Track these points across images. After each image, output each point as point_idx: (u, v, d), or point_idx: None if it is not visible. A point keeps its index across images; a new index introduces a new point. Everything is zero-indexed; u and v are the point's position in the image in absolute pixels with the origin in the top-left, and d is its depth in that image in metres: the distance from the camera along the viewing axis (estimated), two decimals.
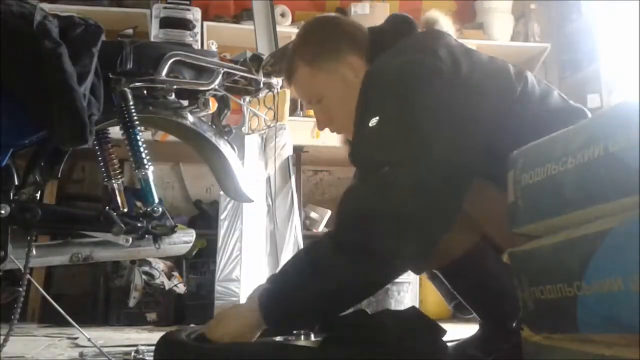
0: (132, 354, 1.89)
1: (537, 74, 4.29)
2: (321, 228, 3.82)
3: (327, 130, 1.50)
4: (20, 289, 1.67)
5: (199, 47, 3.51)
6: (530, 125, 1.23)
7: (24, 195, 1.69)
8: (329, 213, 3.82)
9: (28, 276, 1.69)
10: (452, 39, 1.39)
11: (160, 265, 3.35)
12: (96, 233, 1.76)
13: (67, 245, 1.79)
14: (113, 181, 1.79)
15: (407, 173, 1.17)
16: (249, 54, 1.98)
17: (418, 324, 1.25)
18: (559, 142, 0.96)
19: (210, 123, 1.96)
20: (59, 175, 1.81)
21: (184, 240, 1.86)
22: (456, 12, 4.49)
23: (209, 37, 3.78)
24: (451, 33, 1.43)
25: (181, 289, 3.34)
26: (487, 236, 1.41)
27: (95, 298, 3.40)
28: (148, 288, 3.22)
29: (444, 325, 1.24)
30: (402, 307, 2.76)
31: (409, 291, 3.14)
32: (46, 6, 2.11)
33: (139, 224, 1.76)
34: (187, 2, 3.64)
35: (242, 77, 2.00)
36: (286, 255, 3.12)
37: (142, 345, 2.03)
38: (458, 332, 1.65)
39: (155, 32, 3.53)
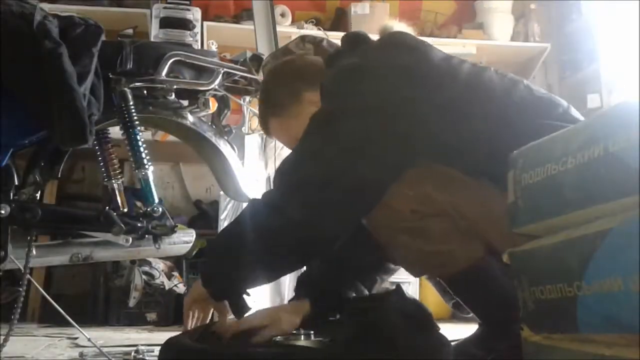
0: (132, 354, 1.89)
1: (537, 74, 4.30)
2: None
3: None
4: (20, 289, 1.68)
5: (199, 47, 3.51)
6: (497, 121, 1.29)
7: (24, 195, 1.69)
8: None
9: (28, 276, 1.69)
10: (407, 40, 1.41)
11: (160, 265, 3.35)
12: (96, 233, 1.76)
13: (67, 245, 1.79)
14: (113, 181, 1.79)
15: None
16: (249, 54, 1.98)
17: (422, 320, 1.26)
18: (559, 142, 0.96)
19: (210, 123, 1.97)
20: (59, 175, 1.81)
21: (184, 240, 1.86)
22: (456, 12, 4.50)
23: (209, 37, 3.78)
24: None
25: (181, 289, 3.33)
26: (491, 247, 1.39)
27: (95, 298, 3.40)
28: (148, 288, 3.22)
29: (444, 325, 1.25)
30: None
31: (408, 291, 3.14)
32: (46, 6, 2.11)
33: (139, 224, 1.76)
34: (187, 2, 3.63)
35: (242, 77, 2.00)
36: None
37: (142, 345, 2.03)
38: (458, 332, 1.65)
39: (155, 32, 3.53)
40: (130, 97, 1.76)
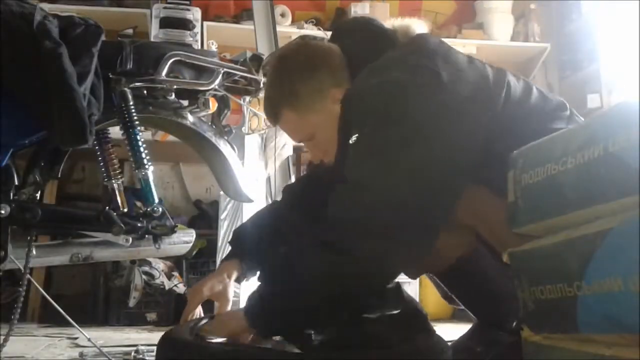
0: (132, 354, 1.89)
1: (537, 74, 4.30)
2: None
3: None
4: (20, 289, 1.68)
5: (199, 47, 3.51)
6: (516, 127, 1.26)
7: (24, 195, 1.69)
8: None
9: (28, 276, 1.69)
10: (431, 43, 1.36)
11: (160, 265, 3.35)
12: (96, 233, 1.76)
13: (67, 245, 1.79)
14: (113, 181, 1.79)
15: (370, 193, 1.18)
16: (249, 54, 1.98)
17: (416, 323, 1.26)
18: (559, 142, 0.97)
19: (210, 123, 1.97)
20: (59, 175, 1.81)
21: (184, 240, 1.86)
22: (456, 12, 4.50)
23: (209, 37, 3.78)
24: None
25: (181, 289, 3.33)
26: (482, 238, 1.40)
27: (95, 298, 3.40)
28: (148, 288, 3.22)
29: (444, 325, 1.25)
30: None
31: (409, 291, 3.14)
32: (46, 6, 2.11)
33: (139, 224, 1.76)
34: (187, 2, 3.64)
35: (242, 77, 2.00)
36: None
37: (142, 345, 2.03)
38: (458, 332, 1.65)
39: (155, 32, 3.53)
40: (130, 97, 1.76)
